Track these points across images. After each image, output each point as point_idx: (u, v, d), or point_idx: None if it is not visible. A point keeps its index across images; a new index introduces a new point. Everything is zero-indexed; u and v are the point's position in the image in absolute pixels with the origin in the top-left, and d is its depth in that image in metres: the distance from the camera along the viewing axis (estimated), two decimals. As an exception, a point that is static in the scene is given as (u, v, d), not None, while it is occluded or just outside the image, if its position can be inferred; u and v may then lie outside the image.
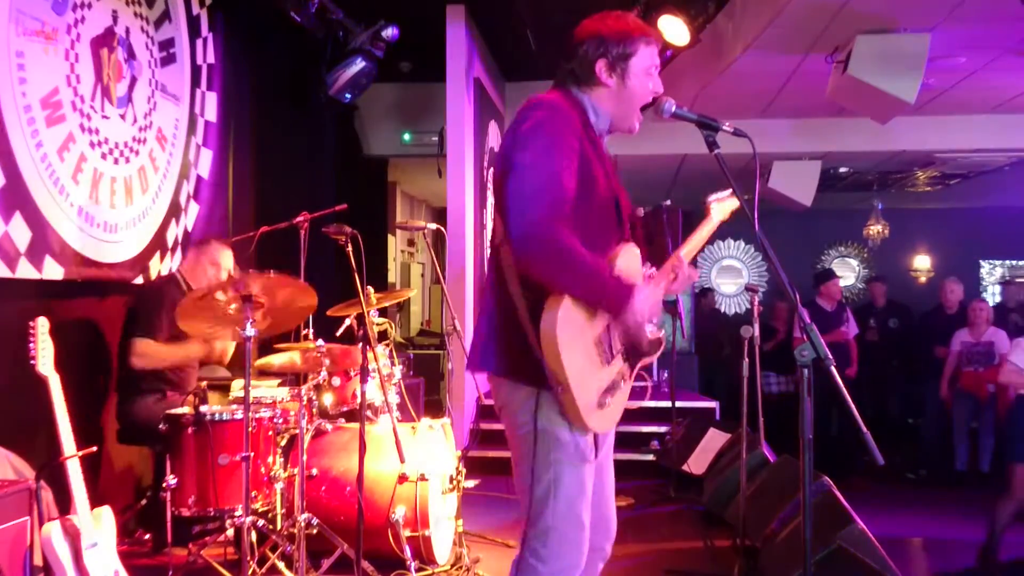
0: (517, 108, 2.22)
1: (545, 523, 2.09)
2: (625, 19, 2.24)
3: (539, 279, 2.03)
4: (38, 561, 2.59)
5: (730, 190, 2.44)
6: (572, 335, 2.00)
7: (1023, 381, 4.46)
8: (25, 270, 3.50)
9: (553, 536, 2.09)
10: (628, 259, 2.20)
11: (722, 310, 11.74)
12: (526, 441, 2.10)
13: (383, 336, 4.28)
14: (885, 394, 8.59)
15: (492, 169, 2.18)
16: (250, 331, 3.15)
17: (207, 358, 4.18)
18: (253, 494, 3.44)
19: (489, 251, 2.29)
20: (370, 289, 3.96)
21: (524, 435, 2.10)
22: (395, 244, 10.44)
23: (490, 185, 2.15)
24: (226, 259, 4.19)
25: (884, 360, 8.14)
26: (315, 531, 3.47)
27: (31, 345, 2.80)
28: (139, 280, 4.35)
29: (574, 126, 2.12)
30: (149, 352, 3.89)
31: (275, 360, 3.93)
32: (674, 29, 5.16)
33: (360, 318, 3.65)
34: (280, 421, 3.68)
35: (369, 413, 3.93)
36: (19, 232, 3.46)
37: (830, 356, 1.87)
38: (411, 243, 11.18)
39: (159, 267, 4.55)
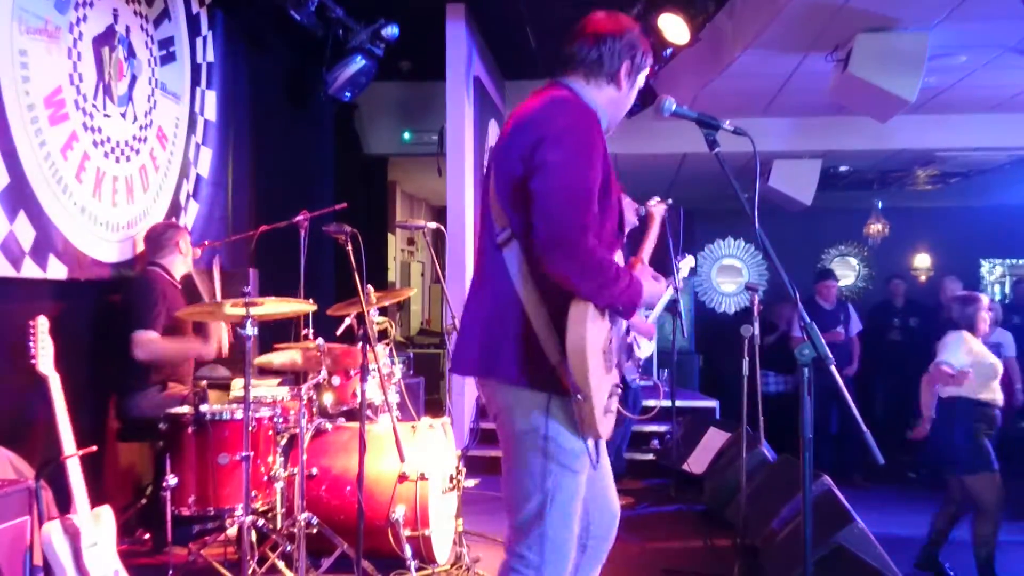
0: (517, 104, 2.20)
1: (538, 531, 2.06)
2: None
3: (567, 284, 1.99)
4: (38, 561, 2.59)
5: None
6: (595, 345, 1.99)
7: (952, 381, 4.39)
8: (30, 269, 3.50)
9: (546, 544, 2.06)
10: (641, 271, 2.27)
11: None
12: (530, 447, 2.06)
13: (383, 335, 4.28)
14: (903, 394, 8.48)
15: (495, 166, 2.11)
16: (250, 331, 3.15)
17: (207, 355, 4.18)
18: (253, 493, 3.44)
19: (480, 250, 2.21)
20: (370, 288, 3.95)
21: (529, 441, 2.06)
22: (395, 243, 10.43)
23: (494, 183, 2.10)
24: (184, 240, 4.24)
25: (907, 360, 8.01)
26: (315, 530, 3.46)
27: (31, 344, 2.80)
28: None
29: (600, 129, 2.11)
30: (151, 344, 3.90)
31: (275, 359, 3.93)
32: (674, 28, 5.15)
33: (360, 317, 3.65)
34: (280, 420, 3.68)
35: (369, 412, 3.93)
36: (23, 231, 3.46)
37: (830, 355, 1.87)
38: (411, 242, 11.17)
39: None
